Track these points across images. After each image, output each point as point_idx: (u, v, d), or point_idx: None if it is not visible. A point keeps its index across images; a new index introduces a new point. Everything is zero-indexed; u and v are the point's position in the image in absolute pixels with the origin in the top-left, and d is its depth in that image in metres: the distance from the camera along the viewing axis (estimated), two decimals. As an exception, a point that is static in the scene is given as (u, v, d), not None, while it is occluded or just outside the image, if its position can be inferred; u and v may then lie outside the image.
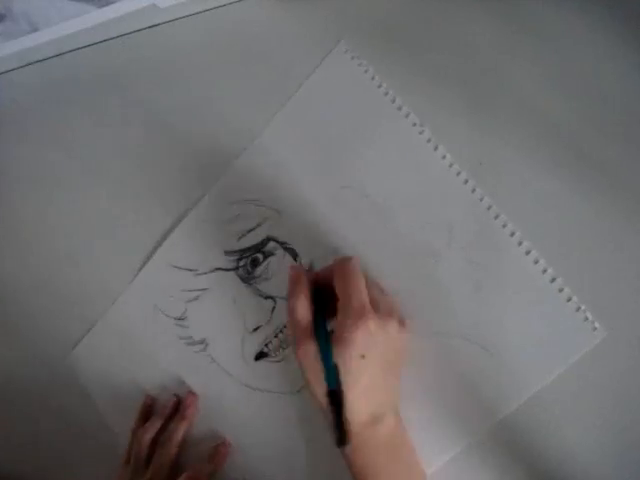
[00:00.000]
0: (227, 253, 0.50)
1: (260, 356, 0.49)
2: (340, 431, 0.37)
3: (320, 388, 0.38)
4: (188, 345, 0.51)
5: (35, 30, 0.55)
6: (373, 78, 0.48)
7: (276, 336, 0.48)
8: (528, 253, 0.43)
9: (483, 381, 0.43)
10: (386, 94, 0.48)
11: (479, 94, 0.45)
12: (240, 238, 0.50)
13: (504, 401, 0.42)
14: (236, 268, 0.50)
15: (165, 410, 0.50)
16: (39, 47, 0.56)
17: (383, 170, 0.47)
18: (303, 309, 0.40)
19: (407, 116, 0.47)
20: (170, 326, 0.52)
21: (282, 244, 0.49)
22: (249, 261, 0.49)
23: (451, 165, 0.45)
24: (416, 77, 0.47)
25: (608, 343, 0.41)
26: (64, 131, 0.57)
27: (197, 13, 0.54)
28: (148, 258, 0.52)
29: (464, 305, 0.44)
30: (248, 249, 0.50)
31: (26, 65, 0.59)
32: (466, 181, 0.45)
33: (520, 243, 0.43)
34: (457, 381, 0.43)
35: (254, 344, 0.49)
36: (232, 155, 0.51)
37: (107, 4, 0.53)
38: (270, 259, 0.49)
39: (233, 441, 0.49)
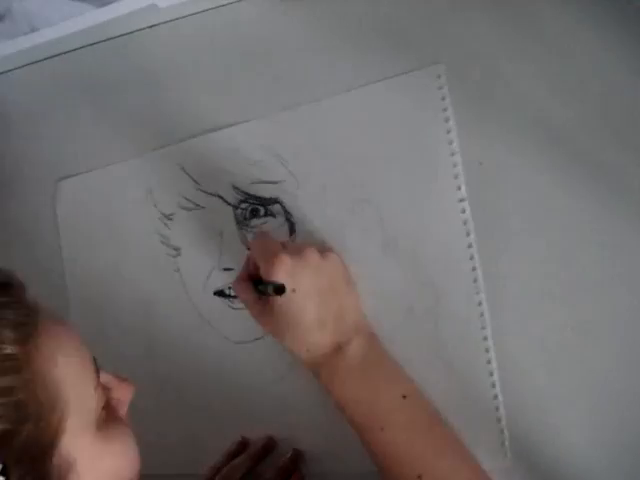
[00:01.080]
0: (235, 189, 0.50)
1: (220, 294, 0.50)
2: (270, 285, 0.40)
3: (275, 329, 0.43)
4: (162, 243, 0.52)
5: (35, 30, 0.55)
6: (445, 110, 0.46)
7: None
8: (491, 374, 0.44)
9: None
10: (448, 132, 0.46)
11: (479, 94, 0.45)
12: (253, 183, 0.50)
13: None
14: (236, 207, 0.50)
15: (256, 451, 0.48)
16: (39, 47, 0.56)
17: (406, 205, 0.46)
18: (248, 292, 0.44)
19: (455, 166, 0.45)
20: (154, 217, 0.53)
21: (286, 213, 0.49)
22: (250, 208, 0.50)
23: (468, 234, 0.45)
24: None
25: (608, 343, 0.41)
26: (64, 131, 0.57)
27: (197, 13, 0.53)
28: (162, 146, 0.53)
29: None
30: (255, 197, 0.50)
31: (26, 65, 0.59)
32: (471, 257, 0.44)
33: (487, 350, 0.44)
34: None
35: (219, 281, 0.50)
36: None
37: (107, 4, 0.52)
38: (269, 219, 0.50)
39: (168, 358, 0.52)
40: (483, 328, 0.44)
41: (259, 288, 0.43)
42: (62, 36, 0.55)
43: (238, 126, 0.51)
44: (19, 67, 0.59)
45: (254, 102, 0.51)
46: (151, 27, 0.55)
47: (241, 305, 0.48)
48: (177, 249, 0.52)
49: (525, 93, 0.44)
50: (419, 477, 0.38)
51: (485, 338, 0.44)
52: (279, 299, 0.41)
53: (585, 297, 0.42)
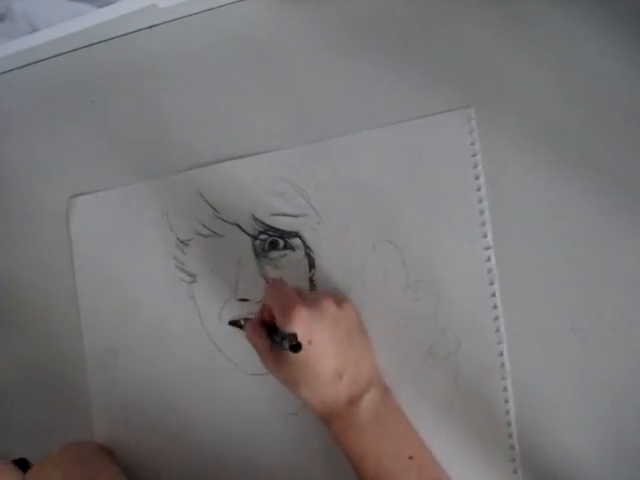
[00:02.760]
0: (254, 219, 0.49)
1: (234, 324, 0.50)
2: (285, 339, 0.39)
3: (291, 379, 0.42)
4: (177, 268, 0.52)
5: (35, 30, 0.54)
6: (474, 155, 0.44)
7: None
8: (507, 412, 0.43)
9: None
10: (477, 178, 0.44)
11: (478, 94, 0.45)
12: (273, 215, 0.49)
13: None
14: (255, 238, 0.49)
15: None
16: (39, 47, 0.55)
17: (430, 248, 0.45)
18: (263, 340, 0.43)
19: (482, 213, 0.44)
20: (170, 241, 0.52)
21: (306, 247, 0.48)
22: (269, 240, 0.49)
23: (491, 283, 0.43)
24: (415, 77, 0.46)
25: (608, 342, 0.41)
26: (64, 131, 0.57)
27: (197, 13, 0.53)
28: (180, 171, 0.52)
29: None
30: (275, 229, 0.49)
31: (26, 65, 0.58)
32: (494, 306, 0.43)
33: (507, 401, 0.43)
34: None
35: (235, 311, 0.50)
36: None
37: (107, 4, 0.52)
38: (288, 252, 0.48)
39: (179, 385, 0.51)
40: (503, 379, 0.43)
41: (274, 338, 0.42)
42: (62, 36, 0.54)
43: (260, 155, 0.50)
44: (19, 67, 0.59)
45: (255, 103, 0.50)
46: (151, 27, 0.54)
47: None
48: (193, 275, 0.51)
49: (525, 93, 0.43)
50: None
51: (505, 389, 0.43)
52: (294, 354, 0.40)
53: (585, 295, 0.42)
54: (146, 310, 0.52)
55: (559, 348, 0.42)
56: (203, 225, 0.51)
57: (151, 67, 0.54)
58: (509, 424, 0.42)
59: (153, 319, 0.52)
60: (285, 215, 0.48)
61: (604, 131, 0.42)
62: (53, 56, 0.57)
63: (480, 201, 0.44)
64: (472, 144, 0.44)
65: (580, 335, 0.41)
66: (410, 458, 0.40)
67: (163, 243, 0.52)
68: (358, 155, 0.47)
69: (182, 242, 0.51)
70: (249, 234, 0.49)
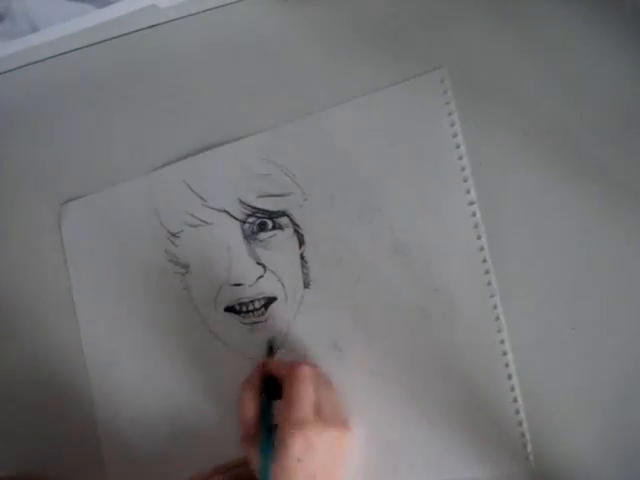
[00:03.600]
0: (241, 203, 0.50)
1: (231, 310, 0.50)
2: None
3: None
4: (170, 262, 0.52)
5: (35, 30, 0.55)
6: (450, 114, 0.46)
7: (252, 302, 0.49)
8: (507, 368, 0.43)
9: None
10: (454, 136, 0.45)
11: (478, 94, 0.45)
12: (259, 197, 0.50)
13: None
14: (243, 222, 0.50)
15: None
16: (39, 47, 0.56)
17: (416, 211, 0.46)
18: (250, 409, 0.43)
19: (463, 169, 0.45)
20: (161, 236, 0.52)
21: (294, 225, 0.49)
22: (257, 222, 0.50)
23: (479, 237, 0.44)
24: (415, 77, 0.47)
25: (608, 342, 0.41)
26: (64, 131, 0.57)
27: (197, 13, 0.53)
28: (165, 164, 0.53)
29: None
30: (262, 210, 0.50)
31: (26, 65, 0.59)
32: (484, 259, 0.44)
33: (505, 353, 0.43)
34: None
35: (229, 296, 0.50)
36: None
37: (107, 4, 0.52)
38: (277, 232, 0.49)
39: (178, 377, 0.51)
40: (499, 331, 0.43)
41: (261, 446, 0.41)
42: (62, 36, 0.55)
43: (242, 140, 0.51)
44: (19, 67, 0.59)
45: (255, 103, 0.51)
46: (151, 27, 0.55)
47: (253, 319, 0.49)
48: (186, 266, 0.52)
49: (525, 93, 0.44)
50: None
51: (502, 341, 0.43)
52: (279, 469, 0.40)
53: (585, 295, 0.42)
54: (143, 306, 0.53)
55: (559, 348, 0.42)
56: (192, 215, 0.51)
57: (151, 67, 0.54)
58: (510, 377, 0.43)
59: (151, 314, 0.52)
60: (271, 195, 0.49)
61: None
62: (53, 56, 0.57)
63: (460, 158, 0.45)
64: (447, 103, 0.45)
65: (580, 335, 0.42)
66: None
67: (155, 239, 0.52)
68: (338, 128, 0.48)
69: (173, 235, 0.52)
70: (237, 219, 0.50)
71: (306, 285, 0.48)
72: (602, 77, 0.43)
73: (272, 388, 0.44)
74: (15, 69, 0.59)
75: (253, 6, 0.51)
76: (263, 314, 0.49)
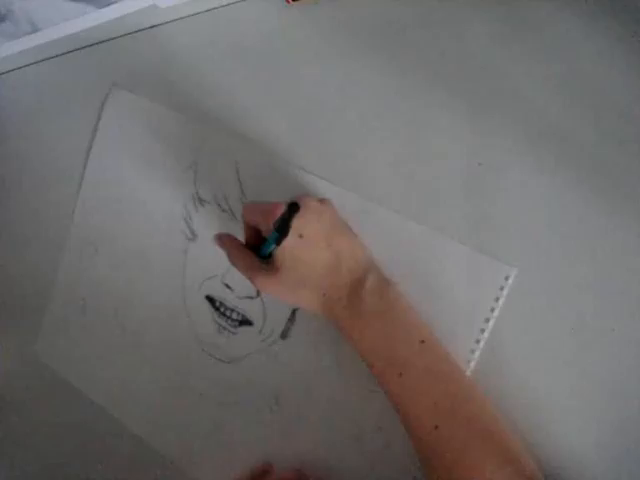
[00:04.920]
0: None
1: (210, 300, 0.51)
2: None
3: (287, 291, 0.41)
4: (184, 220, 0.52)
5: (35, 30, 0.55)
6: None
7: (232, 311, 0.50)
8: None
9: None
10: None
11: (479, 94, 0.45)
12: None
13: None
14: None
15: None
16: (39, 47, 0.56)
17: None
18: (244, 254, 0.43)
19: None
20: (188, 189, 0.52)
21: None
22: None
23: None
24: (416, 78, 0.47)
25: (608, 342, 0.41)
26: (64, 131, 0.57)
27: (197, 13, 0.54)
28: (220, 129, 0.52)
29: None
30: None
31: (26, 65, 0.59)
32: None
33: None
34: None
35: (216, 290, 0.50)
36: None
37: (107, 4, 0.53)
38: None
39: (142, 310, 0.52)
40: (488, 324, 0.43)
41: (261, 252, 0.42)
42: (63, 37, 0.56)
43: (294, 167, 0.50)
44: (20, 67, 0.59)
45: (255, 103, 0.51)
46: (151, 27, 0.55)
47: (225, 324, 0.50)
48: (194, 234, 0.51)
49: (524, 93, 0.44)
50: (436, 428, 0.37)
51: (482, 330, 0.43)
52: (287, 253, 0.40)
53: (584, 295, 0.42)
54: (139, 239, 0.53)
55: (559, 348, 0.42)
56: (226, 200, 0.50)
57: (151, 67, 0.55)
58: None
59: (141, 249, 0.53)
60: None
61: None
62: (53, 56, 0.57)
63: None
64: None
65: (580, 335, 0.42)
66: (422, 342, 0.39)
67: (181, 187, 0.52)
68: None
69: (200, 199, 0.51)
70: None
71: (283, 336, 0.48)
72: (601, 76, 0.43)
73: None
74: (16, 69, 0.59)
75: (253, 6, 0.52)
76: (235, 327, 0.49)
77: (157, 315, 0.52)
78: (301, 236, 0.40)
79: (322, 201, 0.43)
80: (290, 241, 0.40)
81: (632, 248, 0.41)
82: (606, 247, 0.41)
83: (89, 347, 0.54)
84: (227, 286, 0.50)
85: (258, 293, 0.49)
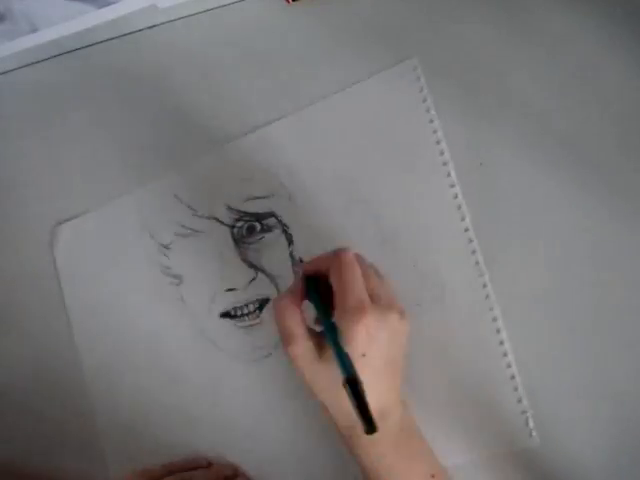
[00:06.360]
0: (229, 209, 0.51)
1: (226, 315, 0.50)
2: (366, 418, 0.33)
3: (321, 383, 0.37)
4: (163, 273, 0.52)
5: (35, 30, 0.55)
6: (425, 100, 0.47)
7: (246, 305, 0.49)
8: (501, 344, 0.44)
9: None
10: (431, 122, 0.47)
11: (479, 94, 0.46)
12: (246, 200, 0.50)
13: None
14: (232, 226, 0.50)
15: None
16: (39, 47, 0.56)
17: (399, 199, 0.47)
18: (291, 312, 0.38)
19: (442, 154, 0.46)
20: (153, 249, 0.52)
21: (282, 225, 0.49)
22: (246, 226, 0.50)
23: (463, 219, 0.45)
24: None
25: (607, 343, 0.41)
26: (64, 131, 0.57)
27: (197, 13, 0.54)
28: (154, 178, 0.53)
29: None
30: (249, 214, 0.50)
31: (26, 65, 0.59)
32: (470, 240, 0.45)
33: (498, 331, 0.44)
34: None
35: (224, 303, 0.50)
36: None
37: (107, 4, 0.53)
38: (266, 234, 0.50)
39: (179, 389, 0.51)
40: (491, 309, 0.44)
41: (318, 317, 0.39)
42: (62, 37, 0.55)
43: (226, 145, 0.51)
44: (19, 67, 0.59)
45: (255, 103, 0.51)
46: (151, 27, 0.55)
47: (248, 322, 0.49)
48: (179, 277, 0.52)
49: (524, 93, 0.45)
50: None
51: (495, 319, 0.44)
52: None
53: (584, 295, 0.42)
54: (139, 322, 0.52)
55: (558, 348, 0.42)
56: (182, 226, 0.51)
57: (151, 67, 0.55)
58: (505, 354, 0.43)
59: (147, 329, 0.52)
60: (257, 198, 0.50)
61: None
62: (53, 56, 0.57)
63: (438, 142, 0.46)
64: (421, 91, 0.47)
65: (580, 335, 0.42)
66: (432, 476, 0.39)
67: (147, 253, 0.52)
68: (316, 126, 0.49)
69: (164, 247, 0.52)
70: (226, 224, 0.50)
71: None
72: (602, 76, 0.43)
73: (316, 288, 0.39)
74: (15, 69, 0.59)
75: (253, 6, 0.52)
76: (258, 316, 0.49)
77: (196, 374, 0.51)
78: (364, 355, 0.35)
79: (402, 315, 0.38)
80: (354, 359, 0.35)
81: (633, 248, 0.41)
82: (607, 247, 0.42)
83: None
84: (230, 289, 0.50)
85: (256, 270, 0.49)
